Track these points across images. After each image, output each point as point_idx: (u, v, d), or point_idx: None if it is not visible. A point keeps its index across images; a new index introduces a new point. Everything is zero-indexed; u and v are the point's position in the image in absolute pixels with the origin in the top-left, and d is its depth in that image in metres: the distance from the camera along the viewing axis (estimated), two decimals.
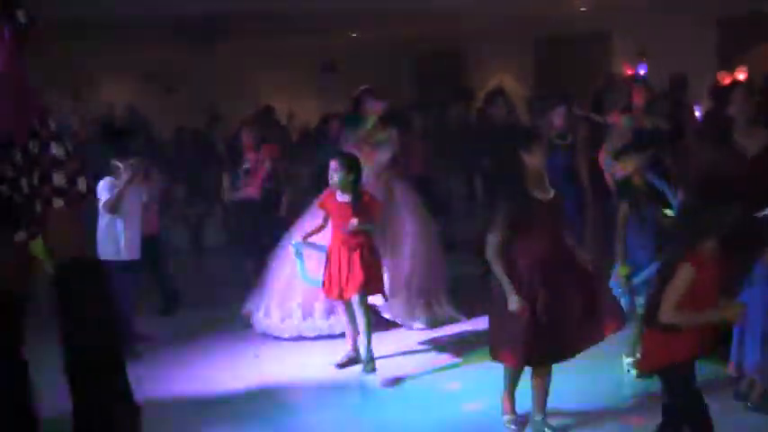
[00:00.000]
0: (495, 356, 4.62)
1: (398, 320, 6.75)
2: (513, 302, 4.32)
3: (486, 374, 5.40)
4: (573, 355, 4.51)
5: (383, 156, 6.81)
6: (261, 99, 13.17)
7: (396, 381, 5.73)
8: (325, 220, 5.99)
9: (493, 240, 4.41)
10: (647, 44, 12.46)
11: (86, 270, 3.85)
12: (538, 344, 4.38)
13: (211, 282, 9.17)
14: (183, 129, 12.41)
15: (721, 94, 6.32)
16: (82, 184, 3.75)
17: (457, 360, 6.12)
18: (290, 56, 15.34)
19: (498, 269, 4.39)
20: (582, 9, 13.04)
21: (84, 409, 3.79)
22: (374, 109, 6.76)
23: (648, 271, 5.25)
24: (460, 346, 6.37)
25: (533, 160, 4.41)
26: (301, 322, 6.65)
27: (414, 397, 5.46)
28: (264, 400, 5.56)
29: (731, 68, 10.52)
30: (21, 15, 3.62)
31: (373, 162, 6.71)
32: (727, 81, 9.09)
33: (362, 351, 5.90)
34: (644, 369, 4.41)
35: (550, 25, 13.60)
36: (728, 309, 3.93)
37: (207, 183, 10.68)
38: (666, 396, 4.09)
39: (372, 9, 11.50)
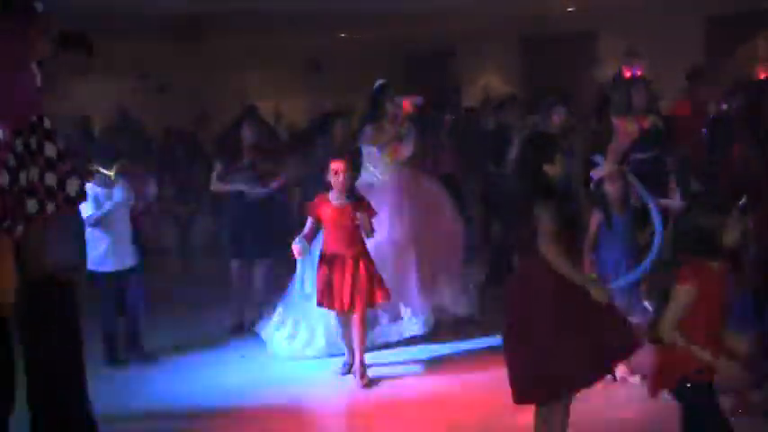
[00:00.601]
0: (550, 395, 4.01)
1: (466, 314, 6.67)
2: (601, 292, 3.96)
3: (479, 382, 5.42)
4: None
5: (406, 150, 6.65)
6: (248, 98, 13.11)
7: (378, 383, 5.68)
8: (316, 229, 5.78)
9: (552, 243, 3.94)
10: (634, 44, 12.49)
11: (58, 292, 3.60)
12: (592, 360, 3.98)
13: (200, 282, 9.16)
14: (171, 129, 12.37)
15: (757, 89, 6.26)
16: (71, 187, 3.64)
17: (449, 367, 6.02)
18: (279, 55, 15.30)
19: (571, 268, 3.95)
20: (569, 9, 13.06)
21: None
22: (403, 106, 6.61)
23: (616, 284, 5.09)
24: (453, 354, 6.30)
25: (553, 171, 4.15)
26: (325, 344, 6.30)
27: (406, 405, 5.36)
28: (252, 402, 5.51)
29: (720, 67, 10.55)
30: (38, 6, 3.53)
31: (399, 158, 6.62)
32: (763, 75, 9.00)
33: (356, 365, 5.72)
34: (658, 387, 3.80)
35: (538, 25, 13.62)
36: (720, 363, 3.56)
37: (195, 182, 10.65)
38: (684, 424, 3.72)
39: (361, 9, 11.49)
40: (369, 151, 6.56)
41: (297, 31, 13.77)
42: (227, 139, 7.38)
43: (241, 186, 6.81)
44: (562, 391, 4.00)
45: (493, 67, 15.24)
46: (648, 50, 11.90)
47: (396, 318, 6.37)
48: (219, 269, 7.72)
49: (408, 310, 6.34)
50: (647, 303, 6.32)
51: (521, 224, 4.06)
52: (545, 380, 3.92)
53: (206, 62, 14.30)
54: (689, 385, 3.59)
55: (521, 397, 4.03)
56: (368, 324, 5.87)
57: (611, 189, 5.33)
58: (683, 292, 3.55)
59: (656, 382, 3.79)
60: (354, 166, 5.79)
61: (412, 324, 6.37)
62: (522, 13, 12.81)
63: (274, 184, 6.98)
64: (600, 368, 4.08)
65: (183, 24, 11.78)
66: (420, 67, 16.04)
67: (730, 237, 3.57)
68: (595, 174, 5.47)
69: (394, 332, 6.37)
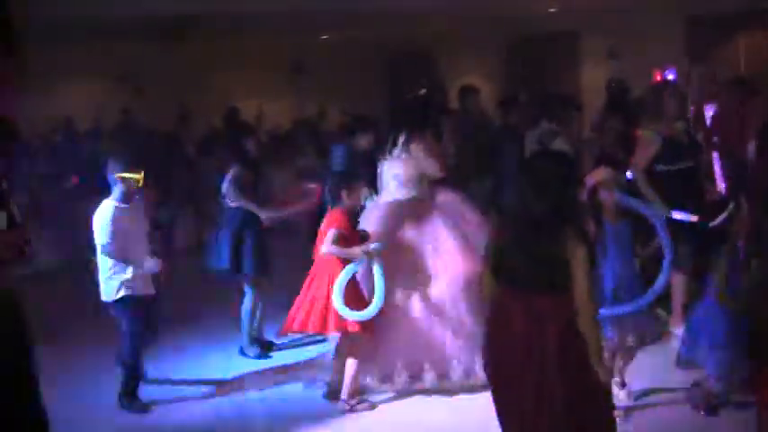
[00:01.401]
0: None
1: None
2: (606, 374, 3.52)
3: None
4: None
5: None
6: (230, 100, 13.07)
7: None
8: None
9: (589, 284, 3.40)
10: (615, 44, 12.58)
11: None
12: None
13: (185, 281, 9.14)
14: (153, 131, 12.32)
15: None
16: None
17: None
18: (261, 57, 15.27)
19: (597, 322, 3.49)
20: (551, 10, 13.11)
21: None
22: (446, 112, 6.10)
23: (617, 308, 4.84)
24: None
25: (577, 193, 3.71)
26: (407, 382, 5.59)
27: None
28: (244, 408, 5.51)
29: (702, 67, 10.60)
30: None
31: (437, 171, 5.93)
32: None
33: (346, 384, 5.32)
34: None
35: (521, 25, 13.67)
36: None
37: (177, 184, 10.60)
38: None
39: (343, 10, 11.47)
40: (407, 166, 5.89)
41: (280, 33, 13.76)
42: (235, 144, 6.78)
43: (253, 207, 6.35)
44: None
45: (476, 67, 15.28)
46: (629, 50, 12.02)
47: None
48: (207, 273, 7.56)
49: None
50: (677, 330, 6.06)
51: (544, 256, 3.43)
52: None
53: (188, 63, 14.26)
54: None
55: None
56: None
57: (605, 197, 5.03)
58: None
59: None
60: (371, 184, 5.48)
61: None
62: (505, 13, 12.85)
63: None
64: None
65: (166, 25, 11.75)
66: (404, 68, 16.06)
67: None
68: (589, 180, 5.14)
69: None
